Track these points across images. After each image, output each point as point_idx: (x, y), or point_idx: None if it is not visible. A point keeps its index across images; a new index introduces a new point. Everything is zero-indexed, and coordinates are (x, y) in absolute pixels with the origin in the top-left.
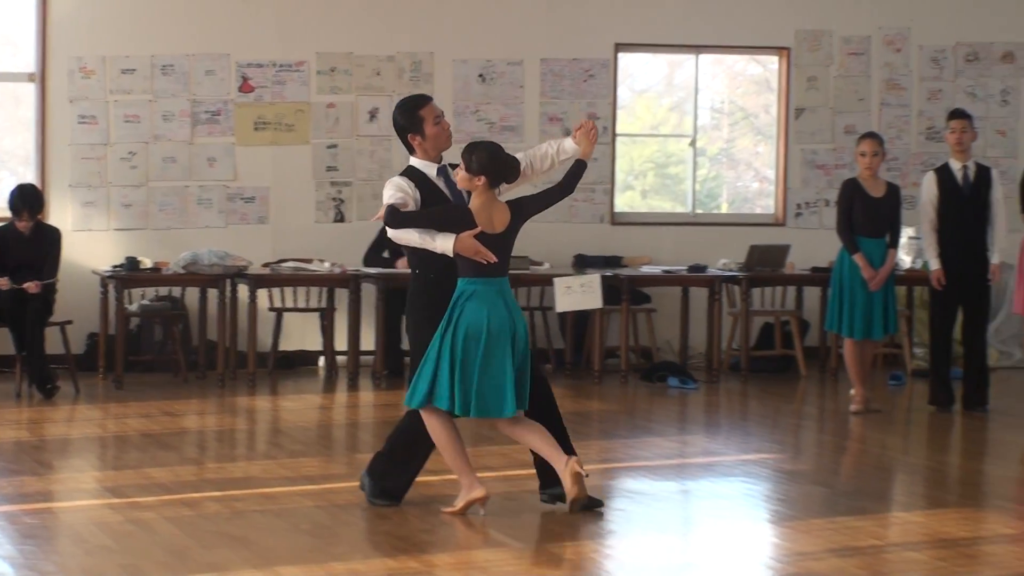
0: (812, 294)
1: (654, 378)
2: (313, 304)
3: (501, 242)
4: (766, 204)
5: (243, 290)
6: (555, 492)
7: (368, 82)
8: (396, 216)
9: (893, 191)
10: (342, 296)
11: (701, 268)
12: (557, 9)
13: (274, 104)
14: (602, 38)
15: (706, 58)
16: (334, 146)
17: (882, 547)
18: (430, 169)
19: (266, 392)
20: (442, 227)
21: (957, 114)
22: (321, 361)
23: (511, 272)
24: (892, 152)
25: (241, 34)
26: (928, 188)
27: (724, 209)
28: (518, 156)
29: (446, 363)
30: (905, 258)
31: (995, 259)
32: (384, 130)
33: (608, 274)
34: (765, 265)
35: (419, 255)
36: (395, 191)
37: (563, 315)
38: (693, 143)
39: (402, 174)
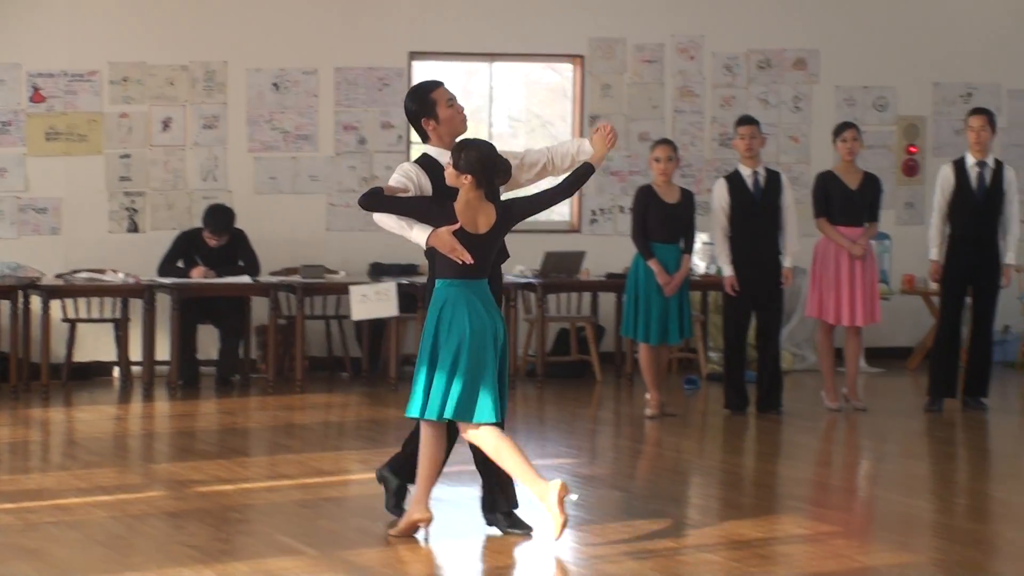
0: (607, 300)
1: None
2: (107, 315)
3: (483, 244)
4: (561, 211)
5: (36, 301)
6: (509, 520)
7: (161, 92)
8: (373, 199)
9: (687, 197)
10: (136, 306)
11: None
12: (351, 18)
13: (66, 114)
14: (396, 47)
15: (503, 66)
16: (127, 156)
17: (677, 549)
18: (444, 157)
19: (60, 403)
20: (421, 218)
21: (745, 120)
22: (116, 372)
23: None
24: (686, 159)
25: (32, 43)
26: (719, 194)
27: None
28: (541, 151)
29: (442, 370)
30: (699, 263)
31: (788, 264)
32: (178, 140)
33: (404, 282)
34: (560, 272)
35: (436, 259)
36: (400, 176)
37: (359, 323)
38: None
39: (416, 161)
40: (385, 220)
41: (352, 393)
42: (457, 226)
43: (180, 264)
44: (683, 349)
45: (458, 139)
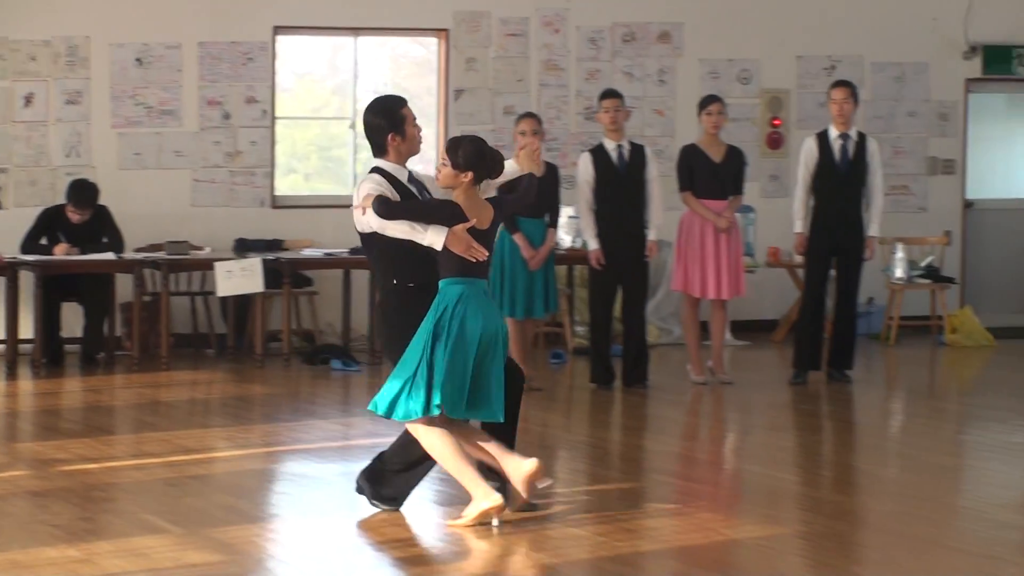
0: None
1: (317, 361)
2: None
3: (487, 239)
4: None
5: None
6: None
7: (23, 67)
8: (388, 206)
9: (552, 171)
10: None
11: (362, 251)
12: None
13: None
14: (260, 21)
15: (369, 41)
16: None
17: (544, 523)
18: (401, 173)
19: None
20: (433, 220)
21: (609, 94)
22: None
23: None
24: (551, 132)
25: None
26: (584, 168)
27: None
28: None
29: (441, 368)
30: (565, 237)
31: (652, 237)
32: (40, 116)
33: (269, 258)
34: None
35: (396, 264)
36: (375, 186)
37: (225, 299)
38: (353, 126)
39: (370, 173)
40: (395, 227)
41: (218, 370)
42: (472, 223)
43: (43, 241)
44: (549, 323)
45: (450, 137)
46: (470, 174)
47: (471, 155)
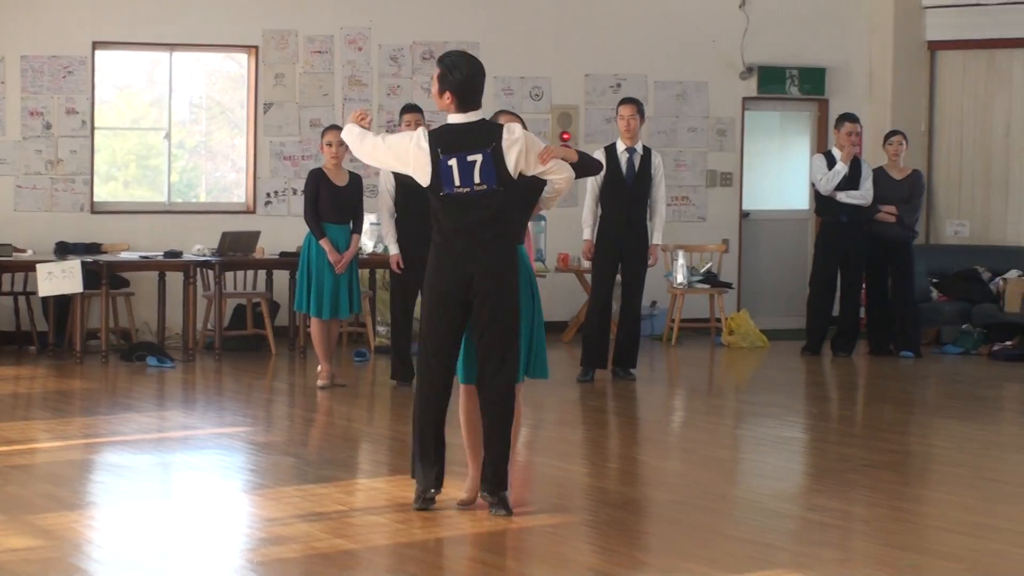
0: (281, 277)
1: (133, 358)
2: None
3: None
4: (240, 193)
5: None
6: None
7: None
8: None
9: (355, 180)
10: None
11: (177, 254)
12: (36, 8)
13: None
14: (80, 36)
15: (184, 56)
16: None
17: (347, 512)
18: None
19: None
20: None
21: (410, 108)
22: None
23: None
24: None
25: None
26: (386, 178)
27: (202, 198)
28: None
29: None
30: (368, 243)
31: None
32: None
33: (88, 260)
34: (237, 250)
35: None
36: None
37: (46, 299)
38: (168, 136)
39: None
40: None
41: (39, 366)
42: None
43: None
44: (352, 323)
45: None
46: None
47: None
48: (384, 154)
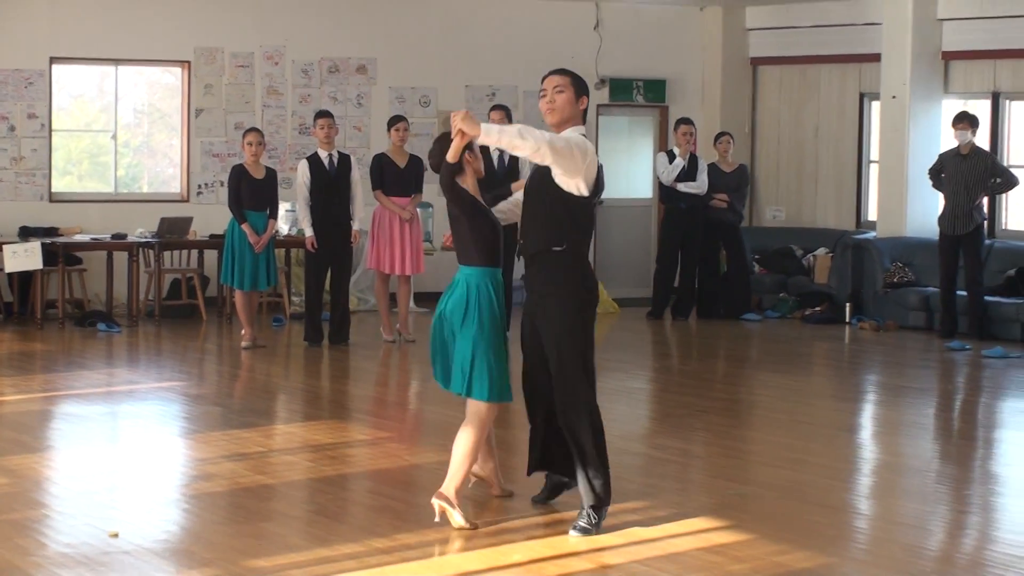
0: (211, 256)
1: (86, 324)
2: None
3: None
4: (176, 185)
5: None
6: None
7: None
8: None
9: (271, 173)
10: None
11: (123, 236)
12: (1, 29)
13: None
14: (39, 52)
15: (128, 69)
16: None
17: (267, 452)
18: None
19: None
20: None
21: (323, 114)
22: None
23: None
24: (272, 143)
25: None
26: (303, 171)
27: (144, 189)
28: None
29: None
30: (283, 227)
31: (356, 226)
32: None
33: (47, 241)
34: (174, 233)
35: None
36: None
37: (11, 274)
38: (115, 137)
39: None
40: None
41: (5, 331)
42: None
43: None
44: (271, 294)
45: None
46: None
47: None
48: (564, 152)
